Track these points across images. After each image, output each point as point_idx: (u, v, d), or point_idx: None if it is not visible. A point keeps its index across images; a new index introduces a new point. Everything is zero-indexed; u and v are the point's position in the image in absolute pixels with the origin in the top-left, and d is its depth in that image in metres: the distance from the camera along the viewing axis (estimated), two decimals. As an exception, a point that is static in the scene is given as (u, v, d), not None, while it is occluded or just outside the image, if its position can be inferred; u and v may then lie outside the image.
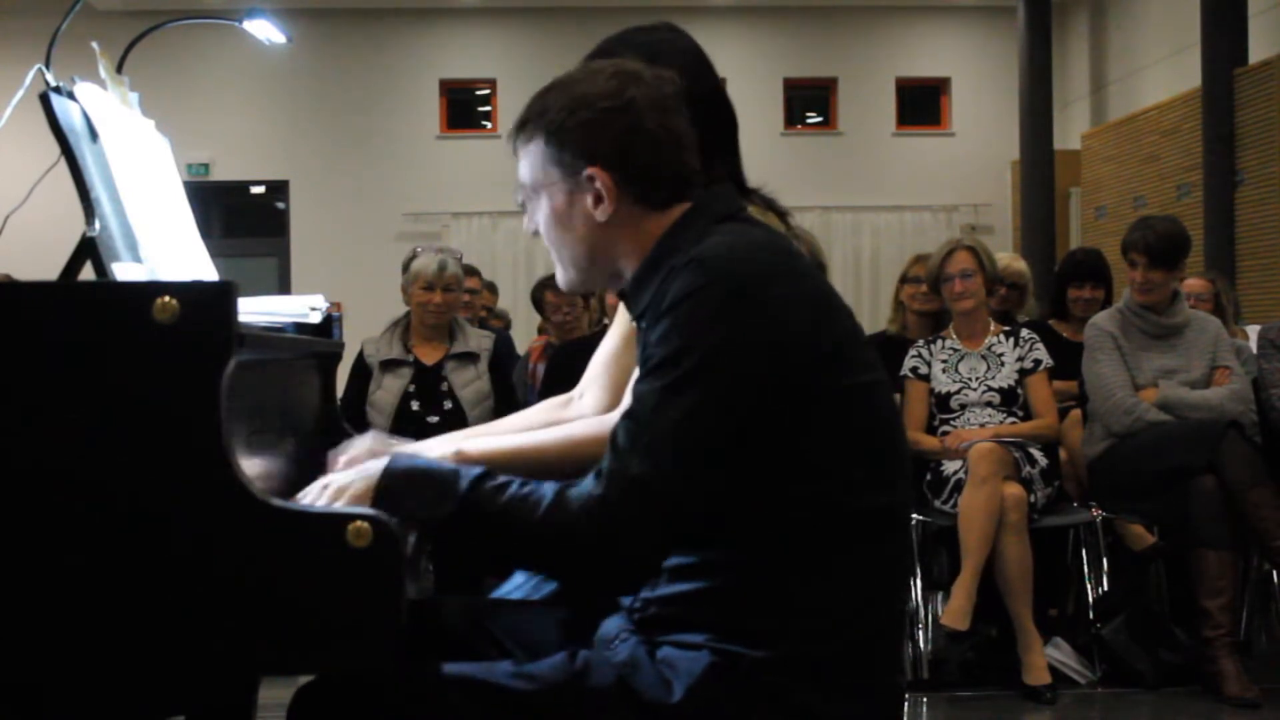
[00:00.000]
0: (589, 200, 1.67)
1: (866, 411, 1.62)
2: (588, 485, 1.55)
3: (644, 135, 1.66)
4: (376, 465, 1.65)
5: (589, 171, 1.66)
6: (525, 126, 1.71)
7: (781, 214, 2.19)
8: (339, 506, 1.59)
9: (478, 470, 1.60)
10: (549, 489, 1.56)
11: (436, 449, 1.83)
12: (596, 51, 2.11)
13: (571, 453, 1.87)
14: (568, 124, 1.66)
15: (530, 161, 1.72)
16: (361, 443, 1.88)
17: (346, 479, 1.65)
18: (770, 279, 1.58)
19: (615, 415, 1.95)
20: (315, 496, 1.64)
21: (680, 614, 1.62)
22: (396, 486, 1.61)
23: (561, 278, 1.79)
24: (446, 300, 4.67)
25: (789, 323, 1.56)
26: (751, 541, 1.58)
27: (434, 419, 4.48)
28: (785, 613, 1.57)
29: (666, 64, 1.85)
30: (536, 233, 1.77)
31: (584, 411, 2.09)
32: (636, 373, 1.65)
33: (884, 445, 1.64)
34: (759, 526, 1.57)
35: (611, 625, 1.74)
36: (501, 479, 1.59)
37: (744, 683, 1.56)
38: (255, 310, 2.04)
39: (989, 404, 4.48)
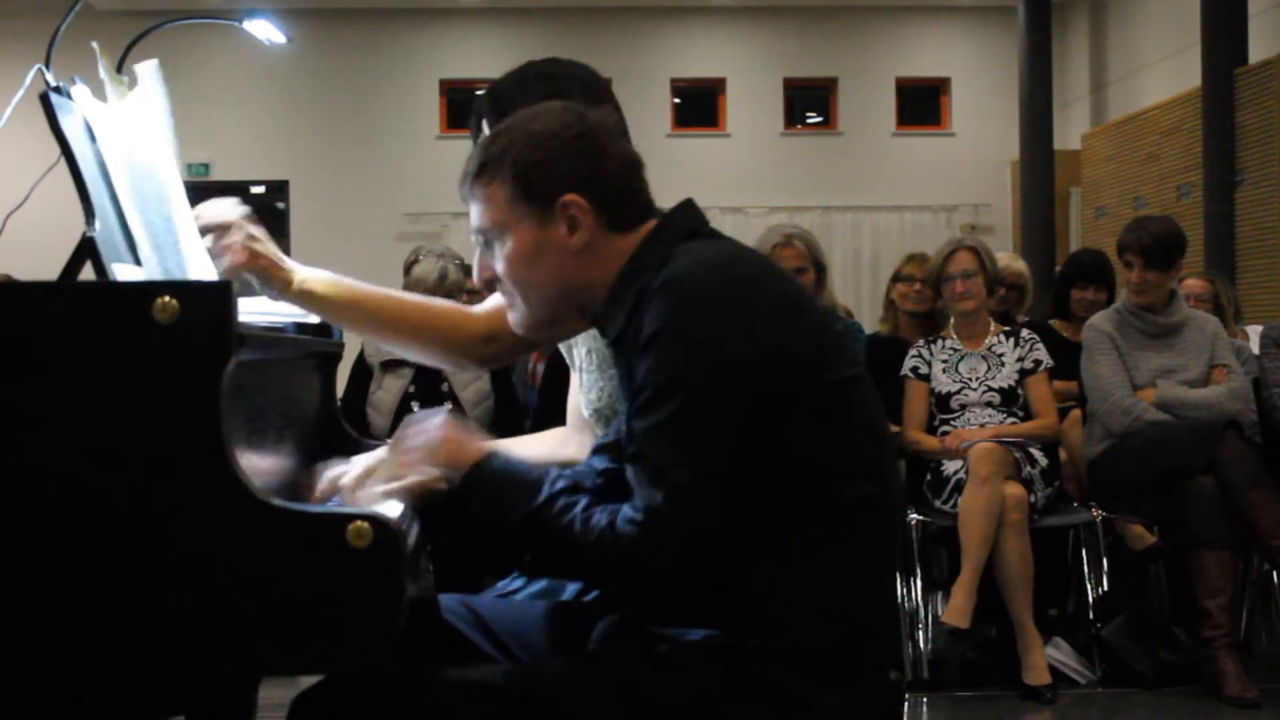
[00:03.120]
0: (563, 229, 1.67)
1: (849, 405, 1.64)
2: (627, 517, 1.55)
3: (611, 159, 1.69)
4: (466, 453, 1.67)
5: (565, 199, 1.66)
6: (484, 170, 1.70)
7: None
8: (339, 507, 1.60)
9: (556, 486, 1.62)
10: (604, 517, 1.57)
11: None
12: (494, 105, 2.11)
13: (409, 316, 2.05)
14: (535, 158, 1.67)
15: (492, 204, 1.70)
16: (432, 421, 1.87)
17: (425, 456, 1.67)
18: (743, 291, 1.60)
19: (464, 310, 2.12)
20: (386, 469, 1.69)
21: (677, 609, 1.63)
22: (478, 487, 1.65)
23: (522, 319, 1.76)
24: None
25: (767, 330, 1.58)
26: (745, 536, 1.59)
27: (434, 419, 4.47)
28: (782, 604, 1.59)
29: (567, 88, 1.96)
30: (489, 282, 1.76)
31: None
32: (621, 398, 1.67)
33: (869, 437, 1.66)
34: (752, 522, 1.59)
35: (610, 623, 1.75)
36: (570, 499, 1.60)
37: (742, 676, 1.58)
38: (255, 310, 2.04)
39: (989, 404, 4.48)
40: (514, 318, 1.77)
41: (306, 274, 2.02)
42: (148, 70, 1.97)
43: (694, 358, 1.56)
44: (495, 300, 2.06)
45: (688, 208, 1.75)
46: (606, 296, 1.70)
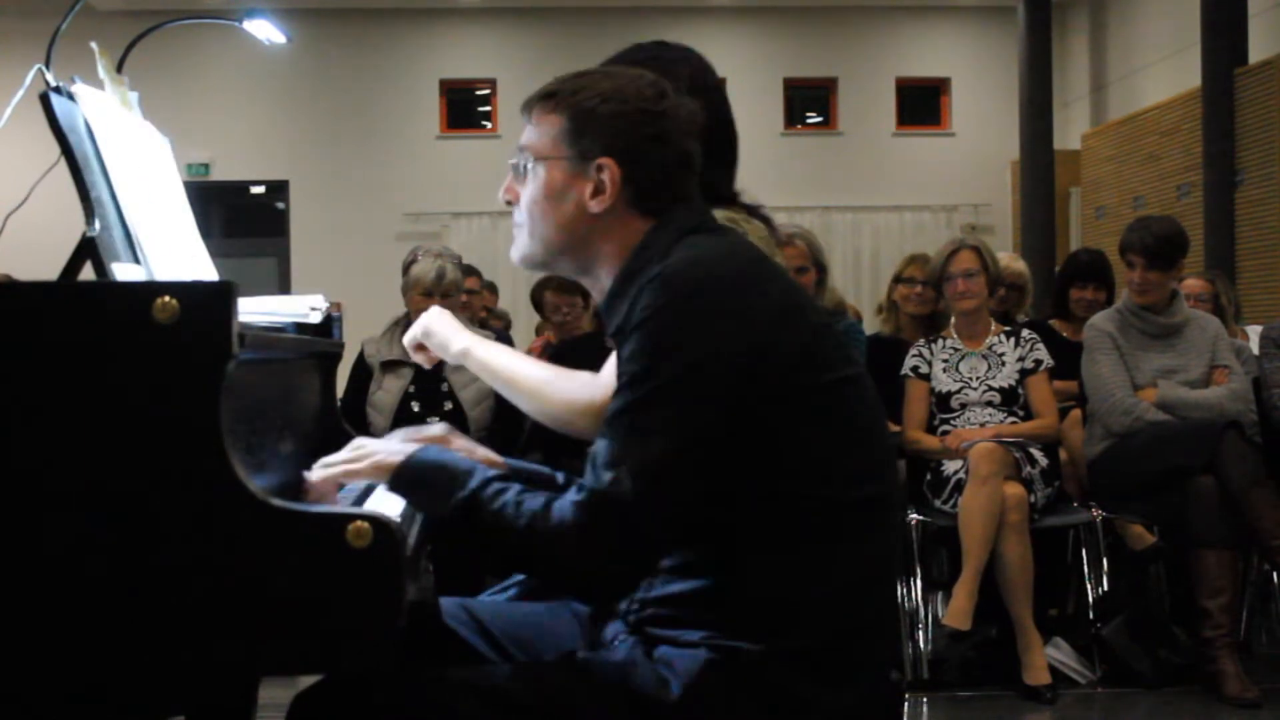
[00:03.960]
0: (588, 189, 1.69)
1: (846, 405, 1.63)
2: (569, 499, 1.55)
3: (664, 148, 1.69)
4: (399, 451, 1.70)
5: (602, 161, 1.67)
6: (552, 98, 1.72)
7: (766, 220, 2.22)
8: (338, 506, 1.61)
9: (488, 474, 1.62)
10: (539, 500, 1.57)
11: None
12: (608, 64, 2.12)
13: (544, 397, 2.01)
14: (599, 110, 1.68)
15: (543, 131, 1.72)
16: (429, 431, 1.93)
17: (376, 449, 1.72)
18: (733, 287, 1.60)
19: (592, 379, 2.04)
20: (343, 454, 1.74)
21: (675, 613, 1.63)
22: (409, 476, 1.66)
23: (519, 249, 1.78)
24: (445, 307, 4.67)
25: (755, 328, 1.58)
26: (742, 538, 1.59)
27: (434, 420, 4.48)
28: (779, 606, 1.58)
29: (674, 69, 1.90)
30: (511, 201, 1.77)
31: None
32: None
33: (866, 438, 1.65)
34: (748, 524, 1.58)
35: (611, 628, 1.75)
36: (503, 485, 1.60)
37: (741, 677, 1.57)
38: (255, 310, 2.04)
39: (989, 404, 4.48)
40: (514, 248, 1.79)
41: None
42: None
43: (672, 349, 1.55)
44: (607, 375, 2.07)
45: (692, 205, 1.75)
46: (609, 291, 1.71)
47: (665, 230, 1.69)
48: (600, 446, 1.56)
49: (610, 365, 2.10)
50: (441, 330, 2.09)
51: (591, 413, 2.03)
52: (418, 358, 2.15)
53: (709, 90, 2.11)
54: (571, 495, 1.55)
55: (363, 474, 1.71)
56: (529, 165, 1.74)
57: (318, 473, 1.76)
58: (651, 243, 1.69)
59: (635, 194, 1.69)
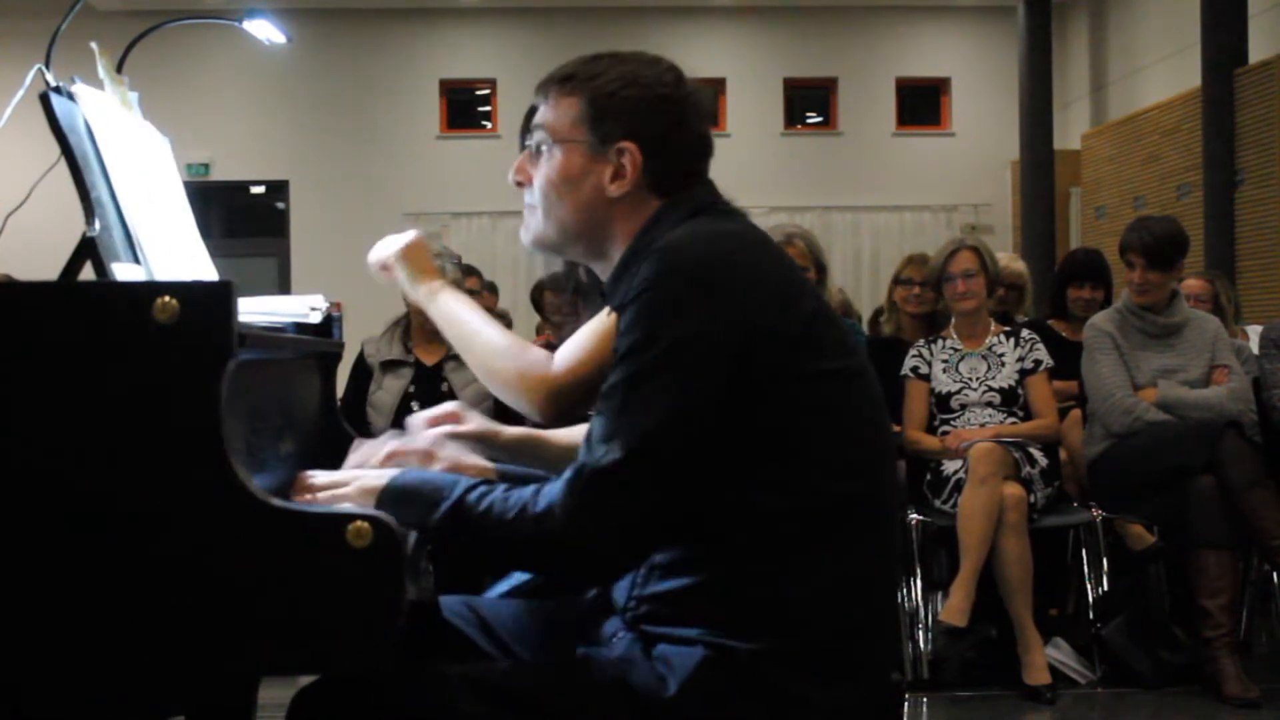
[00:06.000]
0: (608, 172, 1.69)
1: (845, 397, 1.62)
2: (560, 480, 1.55)
3: (685, 132, 1.70)
4: (381, 475, 1.68)
5: (623, 144, 1.68)
6: (570, 81, 1.72)
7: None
8: (339, 506, 1.61)
9: (471, 481, 1.62)
10: (527, 490, 1.57)
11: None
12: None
13: (496, 361, 2.02)
14: (620, 94, 1.68)
15: (561, 113, 1.72)
16: (375, 446, 1.91)
17: (352, 480, 1.70)
18: (730, 265, 1.58)
19: (548, 356, 2.06)
20: (327, 479, 1.72)
21: (672, 610, 1.63)
22: (393, 495, 1.65)
23: (535, 232, 1.77)
24: None
25: (751, 306, 1.56)
26: (737, 533, 1.58)
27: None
28: (775, 602, 1.58)
29: None
30: (521, 183, 1.77)
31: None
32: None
33: (868, 433, 1.64)
34: (742, 517, 1.57)
35: (611, 625, 1.75)
36: (488, 488, 1.60)
37: (738, 674, 1.57)
38: (255, 310, 2.04)
39: (989, 404, 4.48)
40: (525, 229, 1.79)
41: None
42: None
43: (668, 322, 1.54)
44: (565, 354, 2.08)
45: (705, 187, 1.75)
46: (614, 269, 1.71)
47: (675, 209, 1.70)
48: (595, 424, 1.56)
49: (571, 342, 2.10)
50: (410, 266, 2.09)
51: (542, 388, 2.02)
52: (378, 274, 2.13)
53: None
54: (563, 476, 1.55)
55: (349, 498, 1.69)
56: (546, 146, 1.73)
57: (304, 496, 1.74)
58: (662, 219, 1.69)
59: (653, 177, 1.69)
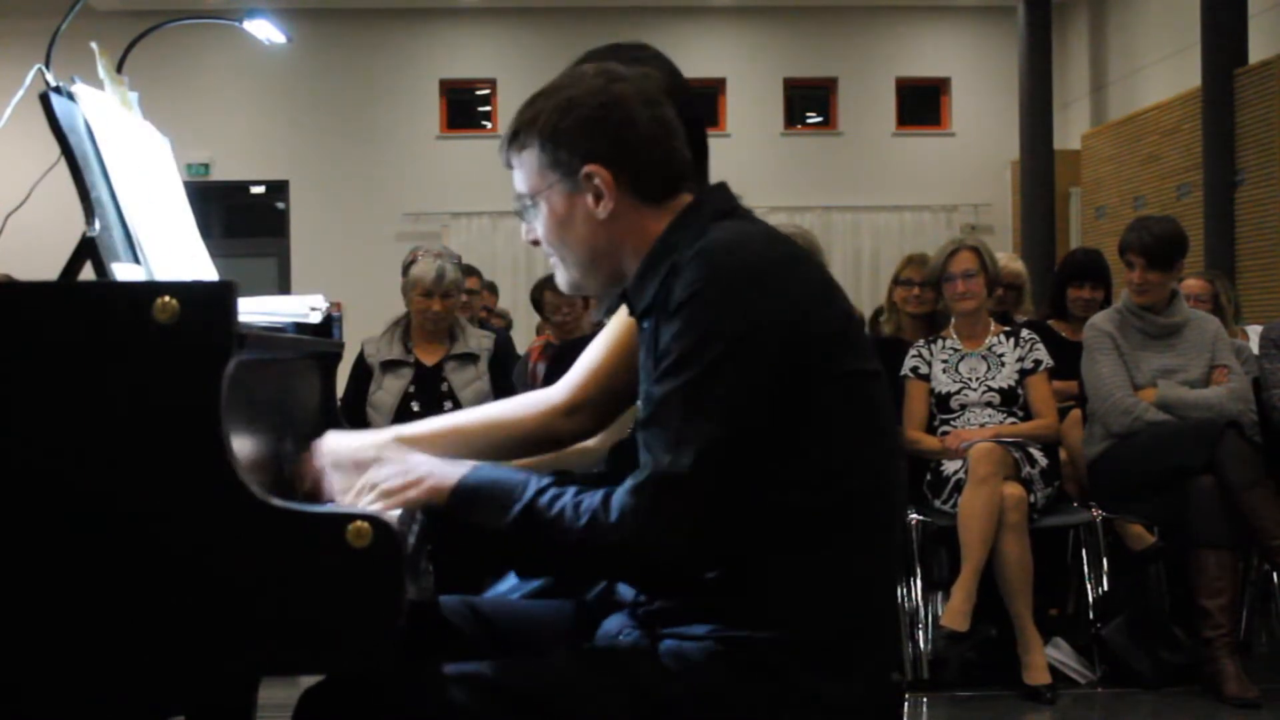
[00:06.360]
0: (589, 199, 1.69)
1: (864, 397, 1.63)
2: (629, 486, 1.55)
3: (636, 129, 1.68)
4: (447, 472, 1.66)
5: (588, 169, 1.68)
6: (518, 136, 1.73)
7: None
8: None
9: (542, 481, 1.62)
10: (597, 496, 1.57)
11: (375, 438, 1.89)
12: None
13: (488, 432, 1.99)
14: (561, 125, 1.68)
15: (527, 169, 1.73)
16: (338, 442, 1.89)
17: (428, 469, 1.67)
18: (775, 265, 1.60)
19: (540, 393, 2.07)
20: (393, 474, 1.68)
21: (681, 607, 1.63)
22: (465, 495, 1.64)
23: (563, 280, 1.80)
24: (445, 306, 4.70)
25: (798, 305, 1.58)
26: (749, 529, 1.58)
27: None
28: (786, 598, 1.58)
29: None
30: (536, 242, 1.78)
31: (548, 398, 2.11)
32: (643, 375, 1.67)
33: (878, 432, 1.65)
34: (765, 514, 1.58)
35: (613, 623, 1.75)
36: (558, 490, 1.60)
37: (746, 671, 1.57)
38: (255, 310, 2.04)
39: (989, 404, 4.48)
40: (559, 277, 1.80)
41: (406, 431, 1.97)
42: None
43: (722, 325, 1.55)
44: (572, 375, 2.08)
45: (722, 190, 1.76)
46: (637, 270, 1.71)
47: (699, 212, 1.70)
48: (654, 433, 1.56)
49: (576, 367, 2.09)
50: (349, 452, 1.89)
51: (558, 413, 2.02)
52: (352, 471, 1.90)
53: (679, 90, 2.09)
54: (630, 483, 1.55)
55: (419, 500, 1.67)
56: (531, 205, 1.75)
57: (376, 502, 1.67)
58: (687, 222, 1.69)
59: (633, 183, 1.69)
